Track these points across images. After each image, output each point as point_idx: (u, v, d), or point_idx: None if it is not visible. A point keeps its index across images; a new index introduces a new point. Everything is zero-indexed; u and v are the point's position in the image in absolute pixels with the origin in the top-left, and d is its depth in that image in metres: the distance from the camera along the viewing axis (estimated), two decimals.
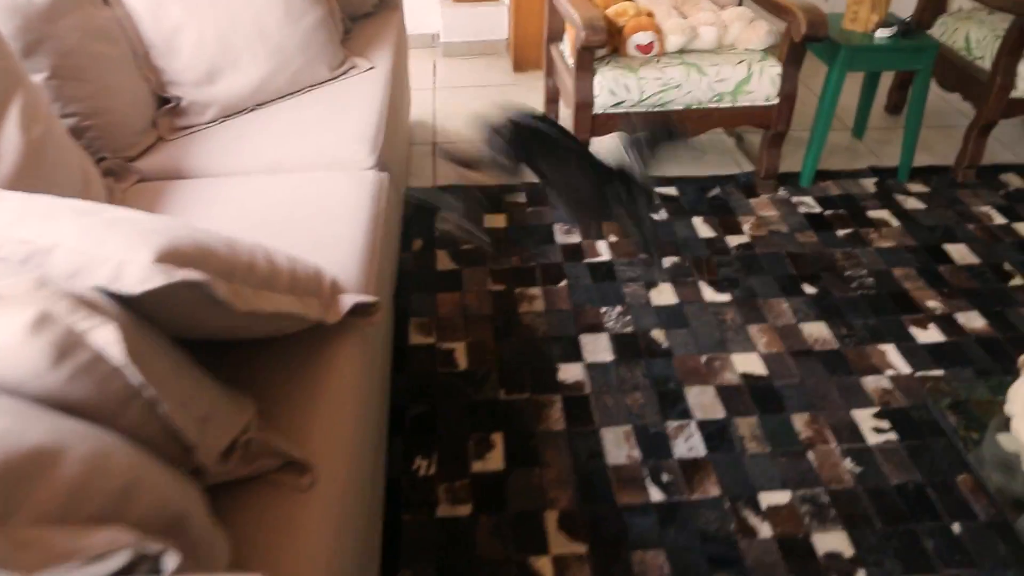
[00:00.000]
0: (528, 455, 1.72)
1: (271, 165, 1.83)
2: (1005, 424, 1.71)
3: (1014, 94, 2.59)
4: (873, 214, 2.58)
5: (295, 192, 1.68)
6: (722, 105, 2.46)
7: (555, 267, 2.28)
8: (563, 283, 2.22)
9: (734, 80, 2.41)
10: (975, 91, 2.70)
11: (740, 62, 2.42)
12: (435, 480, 1.66)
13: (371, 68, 2.25)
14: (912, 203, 2.65)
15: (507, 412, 1.82)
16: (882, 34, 2.55)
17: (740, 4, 2.74)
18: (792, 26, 2.34)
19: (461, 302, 2.15)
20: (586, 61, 2.32)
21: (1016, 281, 2.29)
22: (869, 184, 2.76)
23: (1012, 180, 2.82)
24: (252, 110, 2.04)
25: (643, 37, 2.37)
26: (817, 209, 2.59)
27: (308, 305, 1.17)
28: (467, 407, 1.84)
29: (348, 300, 1.27)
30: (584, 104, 2.38)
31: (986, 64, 2.66)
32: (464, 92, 3.42)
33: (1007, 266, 2.35)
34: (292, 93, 2.11)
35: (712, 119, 2.49)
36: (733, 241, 2.41)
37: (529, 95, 3.37)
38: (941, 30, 2.93)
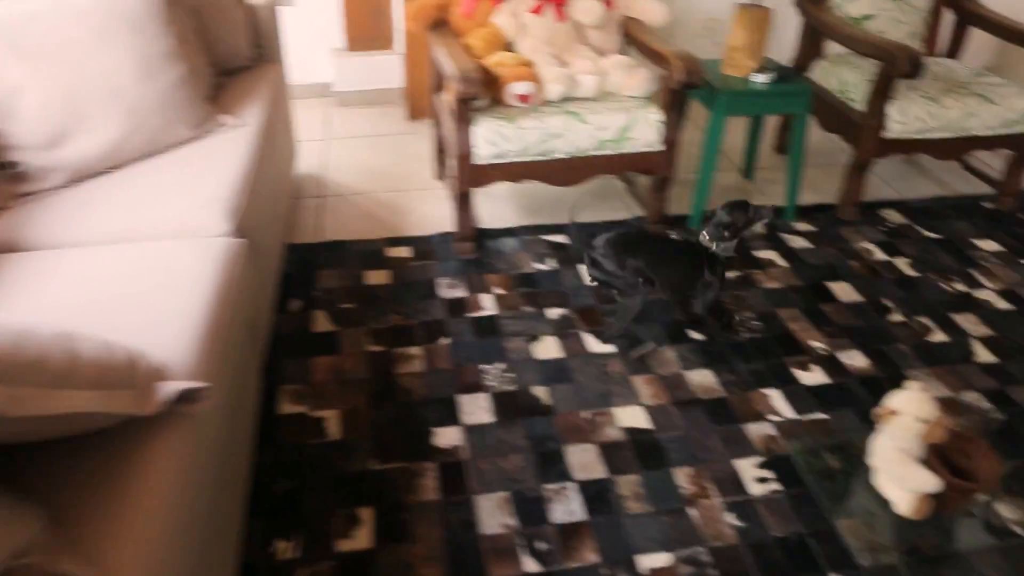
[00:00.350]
0: (398, 530, 1.63)
1: (119, 234, 1.72)
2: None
3: (886, 135, 2.66)
4: (761, 255, 2.59)
5: (138, 264, 1.58)
6: (606, 153, 2.45)
7: (437, 324, 2.21)
8: (444, 341, 2.15)
9: (616, 128, 2.40)
10: (851, 132, 2.76)
11: (621, 110, 2.41)
12: (296, 564, 1.55)
13: (240, 125, 2.17)
14: (799, 242, 2.68)
15: (379, 484, 1.73)
16: (759, 79, 2.59)
17: (622, 52, 2.75)
18: (669, 74, 2.35)
19: (337, 366, 2.06)
20: (464, 112, 2.28)
21: (895, 317, 2.32)
22: (757, 224, 2.77)
23: (892, 216, 2.88)
24: (105, 174, 1.93)
25: (522, 87, 2.34)
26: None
27: (115, 399, 1.07)
28: (337, 480, 1.74)
29: (169, 388, 1.17)
30: (464, 155, 2.34)
31: (860, 106, 2.72)
32: (358, 142, 3.36)
33: (887, 302, 2.38)
34: (150, 155, 2.00)
35: (596, 167, 2.48)
36: None
37: (423, 144, 3.33)
38: (818, 74, 3.00)
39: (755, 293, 2.39)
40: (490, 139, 2.32)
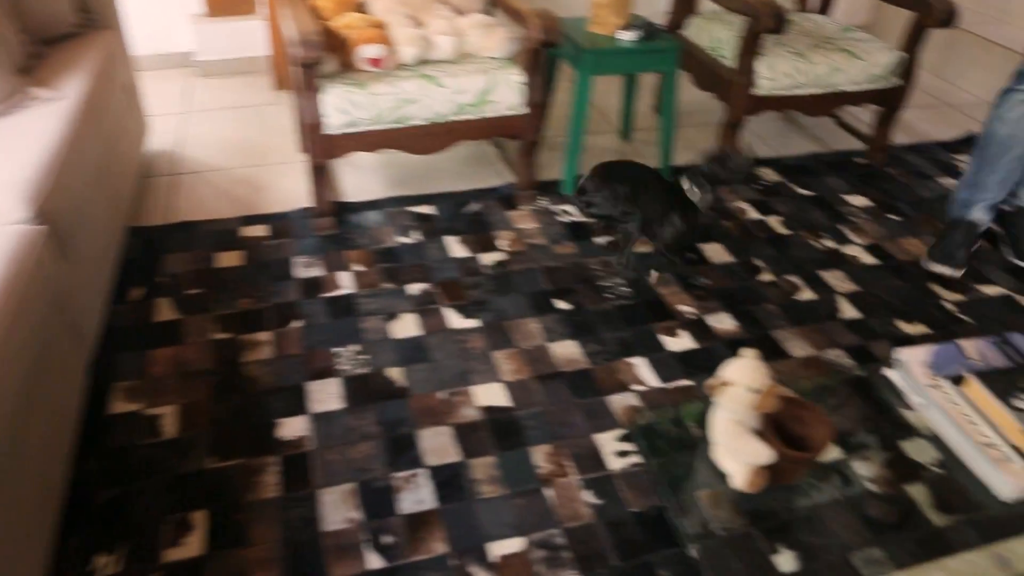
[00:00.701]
0: (234, 533, 1.50)
1: None
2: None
3: (756, 91, 2.62)
4: None
5: None
6: (466, 118, 2.33)
7: (289, 306, 2.08)
8: (296, 324, 2.02)
9: (475, 91, 2.29)
10: (723, 90, 2.72)
11: (480, 72, 2.30)
12: None
13: (56, 99, 1.96)
14: None
15: (215, 484, 1.60)
16: (625, 37, 2.51)
17: (487, 11, 2.63)
18: (527, 32, 2.25)
19: (178, 357, 1.90)
20: (309, 79, 2.13)
21: (765, 276, 2.30)
22: (739, 176, 2.70)
23: (767, 174, 2.86)
24: None
25: (372, 51, 2.20)
26: (578, 218, 2.51)
27: None
28: (170, 483, 1.60)
29: None
30: (313, 125, 2.19)
31: (730, 63, 2.68)
32: (219, 115, 3.15)
33: (758, 262, 2.36)
34: None
35: (458, 133, 2.36)
36: (487, 260, 2.28)
37: (288, 114, 3.15)
38: (692, 31, 2.94)
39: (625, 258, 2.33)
40: (340, 107, 2.18)
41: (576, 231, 2.44)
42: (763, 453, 1.22)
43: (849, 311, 2.18)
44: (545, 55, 2.32)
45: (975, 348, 1.51)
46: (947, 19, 2.55)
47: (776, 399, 1.21)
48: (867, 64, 2.67)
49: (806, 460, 1.27)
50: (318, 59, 2.04)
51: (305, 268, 2.22)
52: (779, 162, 2.96)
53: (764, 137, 3.15)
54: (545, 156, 2.86)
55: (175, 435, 1.70)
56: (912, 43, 2.69)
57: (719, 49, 2.77)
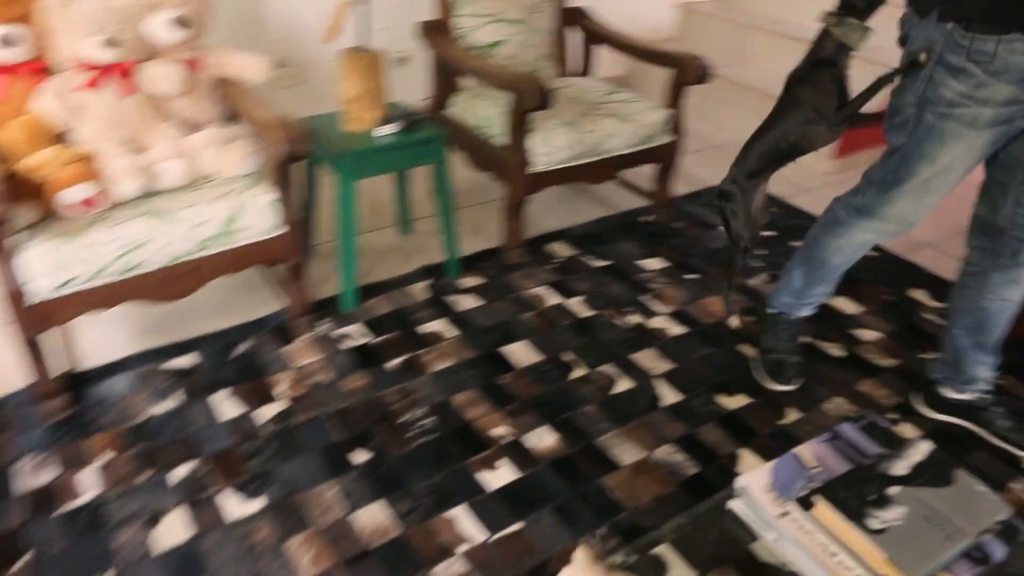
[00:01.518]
0: None
1: None
2: None
3: (534, 169, 2.47)
4: (426, 328, 2.28)
5: None
6: (213, 252, 1.99)
7: (12, 537, 1.62)
8: (23, 560, 1.57)
9: (219, 220, 1.95)
10: (500, 170, 2.55)
11: (221, 196, 1.97)
12: None
13: None
14: (467, 302, 2.41)
15: None
16: (384, 132, 2.27)
17: (231, 120, 2.30)
18: (268, 145, 1.95)
19: None
20: None
21: (577, 372, 2.12)
22: (420, 290, 2.47)
23: (559, 250, 2.73)
24: None
25: (78, 192, 1.81)
26: (364, 339, 2.23)
27: None
28: None
29: None
30: (14, 293, 1.76)
31: (502, 141, 2.52)
32: None
33: (567, 356, 2.18)
34: None
35: (207, 271, 2.00)
36: (266, 414, 1.94)
37: None
38: (457, 110, 2.77)
39: (423, 381, 2.07)
40: (48, 266, 1.77)
41: (365, 356, 2.15)
42: None
43: (669, 395, 2.05)
44: (300, 162, 2.03)
45: (812, 453, 1.38)
46: (702, 77, 2.55)
47: None
48: (637, 125, 2.61)
49: None
50: (2, 215, 1.63)
51: (33, 473, 1.76)
52: (569, 234, 2.84)
53: (549, 207, 3.03)
54: (320, 268, 2.55)
55: None
56: (674, 99, 2.67)
57: (488, 127, 2.60)
